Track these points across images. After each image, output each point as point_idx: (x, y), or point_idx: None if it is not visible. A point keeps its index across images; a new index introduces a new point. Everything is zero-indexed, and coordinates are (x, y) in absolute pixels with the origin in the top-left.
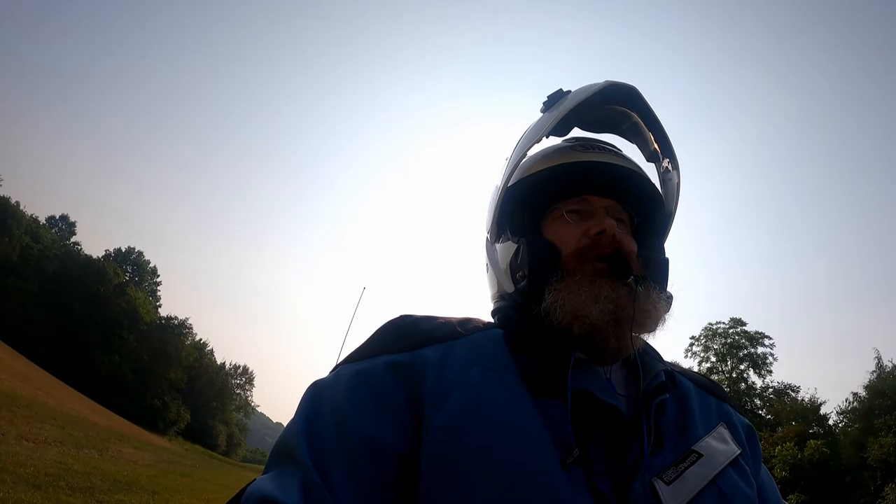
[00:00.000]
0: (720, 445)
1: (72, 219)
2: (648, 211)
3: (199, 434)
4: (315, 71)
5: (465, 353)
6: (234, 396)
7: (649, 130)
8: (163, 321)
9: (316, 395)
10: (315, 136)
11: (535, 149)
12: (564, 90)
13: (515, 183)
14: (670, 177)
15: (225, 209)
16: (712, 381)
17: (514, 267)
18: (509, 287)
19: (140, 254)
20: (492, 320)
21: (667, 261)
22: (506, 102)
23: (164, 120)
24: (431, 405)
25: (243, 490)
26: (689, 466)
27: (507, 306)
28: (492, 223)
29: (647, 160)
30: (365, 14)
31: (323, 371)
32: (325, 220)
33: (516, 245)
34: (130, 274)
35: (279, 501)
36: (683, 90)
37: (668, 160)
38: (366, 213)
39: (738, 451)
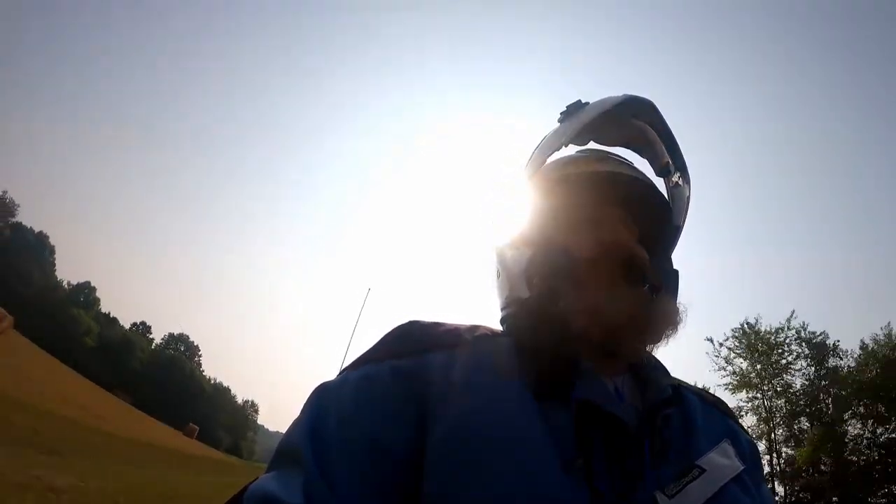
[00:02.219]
0: (724, 461)
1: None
2: (657, 223)
3: (232, 448)
4: (314, 63)
5: (471, 360)
6: (248, 422)
7: (664, 145)
8: (215, 385)
9: (321, 398)
10: (316, 132)
11: (551, 157)
12: (583, 101)
13: (529, 190)
14: (680, 191)
15: (221, 211)
16: (717, 397)
17: (529, 272)
18: (524, 292)
19: (187, 336)
20: (500, 328)
21: (676, 272)
22: (519, 103)
23: (155, 123)
24: (436, 411)
25: (245, 488)
26: (691, 481)
27: (516, 313)
28: (507, 230)
29: (657, 174)
30: (367, 6)
31: (325, 375)
32: (325, 221)
33: (531, 250)
34: (183, 352)
35: (281, 500)
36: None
37: (679, 174)
38: (370, 213)
39: (742, 468)
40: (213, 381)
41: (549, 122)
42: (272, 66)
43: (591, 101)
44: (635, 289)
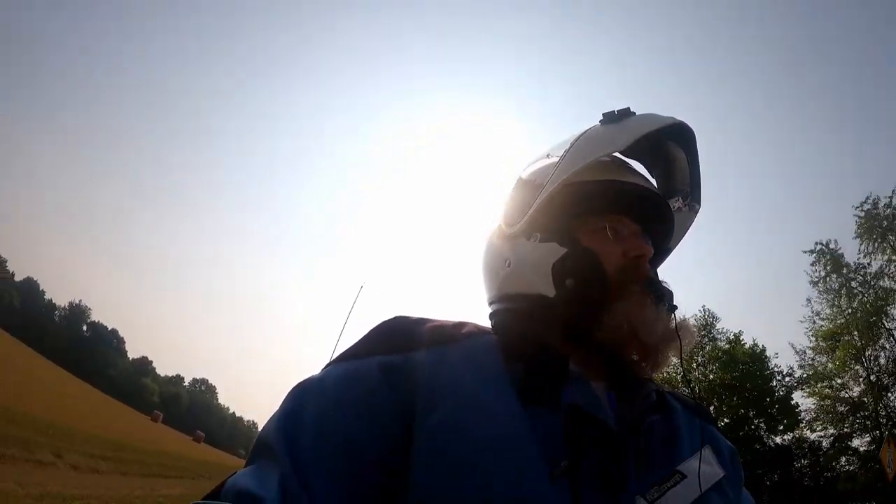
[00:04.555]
0: (704, 467)
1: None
2: (662, 243)
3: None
4: (306, 63)
5: (458, 359)
6: (252, 436)
7: (689, 173)
8: (232, 414)
9: (300, 393)
10: (306, 123)
11: (545, 158)
12: (631, 110)
13: (561, 186)
14: (683, 217)
15: (211, 212)
16: (699, 403)
17: (560, 271)
18: (549, 291)
19: (207, 380)
20: (486, 324)
21: (671, 292)
22: (515, 100)
23: (139, 119)
24: (422, 410)
25: (224, 482)
26: (672, 487)
27: (507, 309)
28: (526, 219)
29: (663, 195)
30: (366, 6)
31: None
32: (321, 222)
33: (564, 249)
34: (204, 392)
35: (257, 496)
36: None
37: (689, 200)
38: (366, 212)
39: (722, 474)
40: (228, 410)
41: (541, 120)
42: (263, 69)
43: (637, 112)
44: (661, 307)
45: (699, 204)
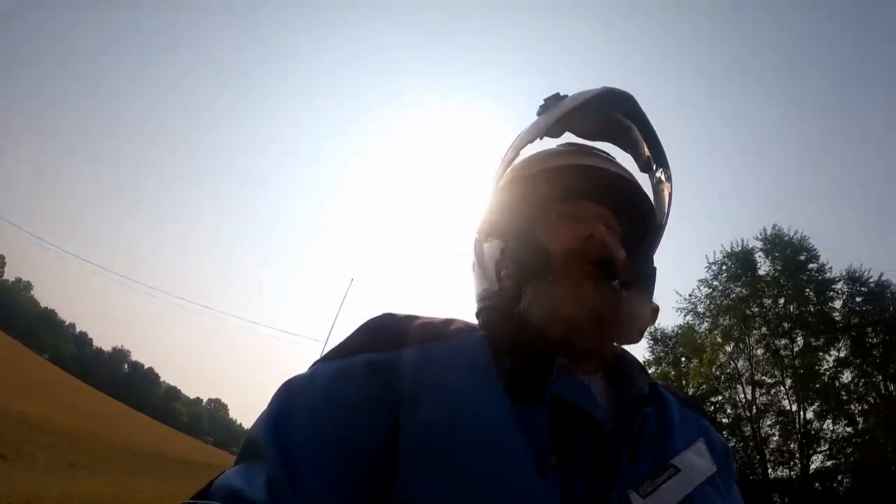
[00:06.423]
0: (698, 461)
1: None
2: (639, 222)
3: None
4: (291, 61)
5: (446, 356)
6: None
7: (644, 139)
8: (243, 427)
9: (288, 392)
10: (299, 118)
11: (529, 150)
12: (561, 94)
13: (508, 182)
14: (662, 188)
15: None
16: (692, 396)
17: (500, 265)
18: (493, 286)
19: (219, 399)
20: (475, 321)
21: (654, 270)
22: (508, 93)
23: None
24: (410, 407)
25: (212, 481)
26: (665, 480)
27: (490, 307)
28: (483, 223)
29: (641, 170)
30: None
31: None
32: (308, 215)
33: (505, 243)
34: (216, 410)
35: (245, 494)
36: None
37: (661, 170)
38: (353, 207)
39: (715, 469)
40: (237, 422)
41: (530, 116)
42: (247, 65)
43: (569, 94)
44: (603, 286)
45: (668, 169)
